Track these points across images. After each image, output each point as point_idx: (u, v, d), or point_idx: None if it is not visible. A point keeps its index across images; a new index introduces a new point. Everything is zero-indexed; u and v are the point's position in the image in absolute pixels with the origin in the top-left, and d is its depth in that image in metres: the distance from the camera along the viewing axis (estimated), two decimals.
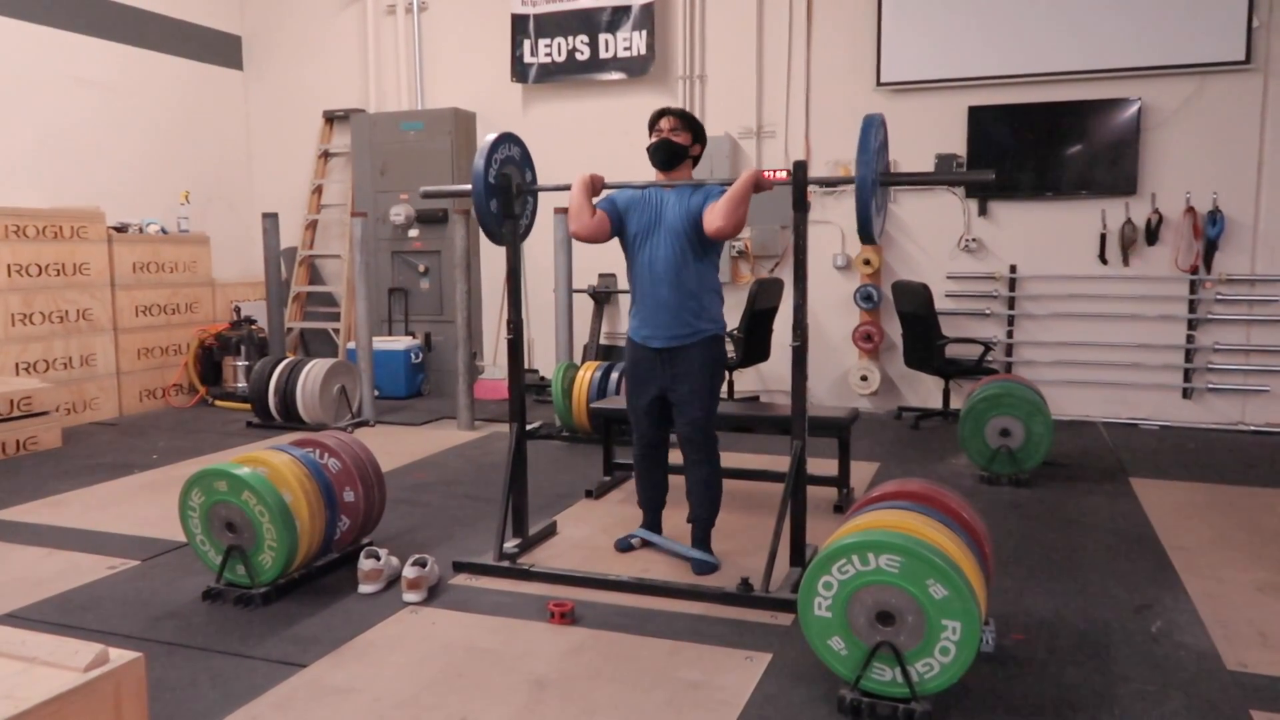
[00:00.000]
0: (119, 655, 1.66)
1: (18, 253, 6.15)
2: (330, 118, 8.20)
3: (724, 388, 6.39)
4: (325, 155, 8.27)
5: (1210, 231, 6.05)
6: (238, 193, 8.42)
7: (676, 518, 3.86)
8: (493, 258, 7.65)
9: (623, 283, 6.73)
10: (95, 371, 6.67)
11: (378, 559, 3.35)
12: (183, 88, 7.89)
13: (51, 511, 4.38)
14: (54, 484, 4.86)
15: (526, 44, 7.39)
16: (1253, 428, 6.12)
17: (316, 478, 3.35)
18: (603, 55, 7.20)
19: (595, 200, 3.50)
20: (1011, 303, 6.54)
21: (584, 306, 7.16)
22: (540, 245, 6.62)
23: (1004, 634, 2.91)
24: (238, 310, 7.62)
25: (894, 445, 5.74)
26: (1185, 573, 3.48)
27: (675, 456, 3.79)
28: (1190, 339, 6.22)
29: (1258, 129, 5.99)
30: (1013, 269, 6.53)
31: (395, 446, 5.60)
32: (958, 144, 6.52)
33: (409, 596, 3.23)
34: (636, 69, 7.12)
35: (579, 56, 7.26)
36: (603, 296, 7.28)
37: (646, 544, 3.76)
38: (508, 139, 3.61)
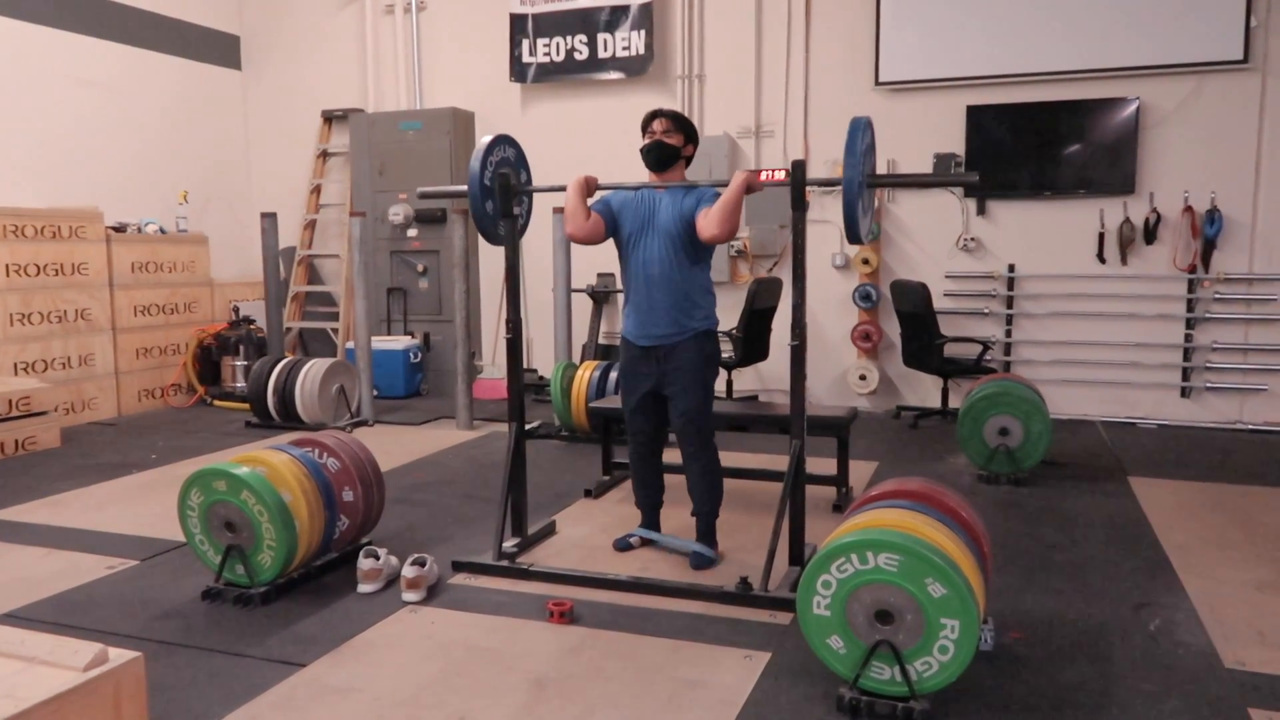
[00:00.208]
0: (118, 655, 1.66)
1: (16, 252, 6.15)
2: (329, 117, 8.20)
3: (723, 387, 6.44)
4: (324, 155, 8.26)
5: (1208, 230, 6.06)
6: (236, 192, 8.42)
7: (678, 516, 3.87)
8: (491, 257, 7.66)
9: (621, 282, 6.73)
10: (94, 371, 6.67)
11: (377, 558, 3.35)
12: (181, 87, 7.89)
13: (50, 511, 4.38)
14: (53, 484, 4.86)
15: (525, 43, 7.39)
16: (1251, 426, 6.13)
17: (315, 477, 3.35)
18: (601, 55, 7.20)
19: (590, 201, 3.52)
20: (1010, 302, 6.55)
21: (583, 306, 7.16)
22: (539, 245, 6.63)
23: (1002, 633, 2.91)
24: (236, 310, 7.61)
25: (893, 444, 5.75)
26: (1183, 571, 3.49)
27: (672, 457, 3.80)
28: (1188, 338, 6.23)
29: (1255, 128, 5.99)
30: (1011, 268, 6.54)
31: (394, 446, 5.60)
32: (956, 143, 6.52)
33: (408, 596, 3.24)
34: (635, 69, 7.12)
35: (577, 56, 7.26)
36: (601, 296, 7.28)
37: (646, 542, 3.77)
38: (503, 141, 3.66)
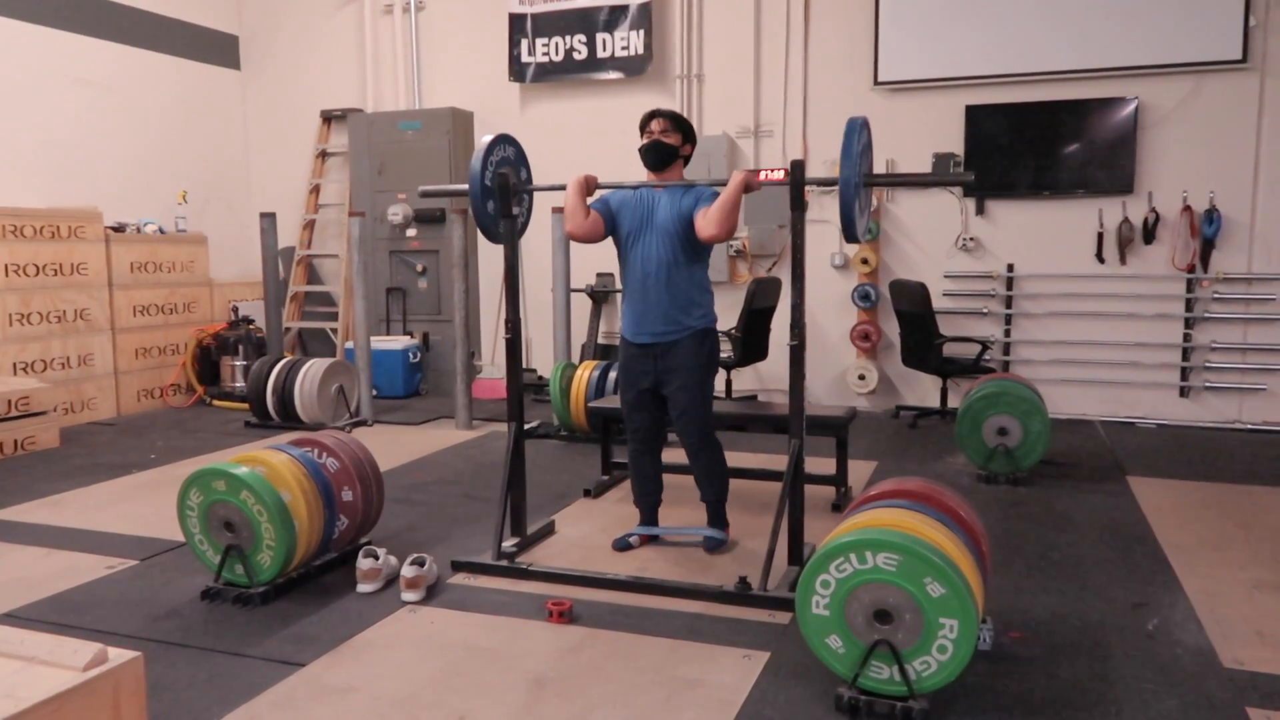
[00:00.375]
0: (118, 654, 1.66)
1: (15, 252, 6.15)
2: (328, 117, 8.20)
3: (722, 387, 6.44)
4: (323, 155, 8.26)
5: (1207, 230, 6.06)
6: (235, 192, 8.42)
7: (678, 515, 3.87)
8: (491, 257, 7.66)
9: (620, 281, 6.73)
10: (93, 371, 6.66)
11: (376, 558, 3.35)
12: (180, 87, 7.88)
13: (50, 511, 4.38)
14: (52, 484, 4.86)
15: (524, 43, 7.39)
16: (1250, 426, 6.13)
17: (315, 477, 3.35)
18: (600, 55, 7.20)
19: (589, 200, 3.53)
20: (1009, 301, 6.55)
21: (582, 306, 7.16)
22: (538, 244, 6.63)
23: (1001, 632, 2.92)
24: (235, 310, 7.61)
25: (892, 444, 5.75)
26: (1182, 571, 3.49)
27: (671, 456, 3.80)
28: (1187, 337, 6.23)
29: (1254, 128, 6.00)
30: (1010, 268, 6.54)
31: (393, 446, 5.60)
32: (955, 143, 6.53)
33: (407, 596, 3.24)
34: (634, 68, 7.13)
35: (576, 56, 7.26)
36: (601, 296, 7.28)
37: (645, 541, 3.77)
38: (504, 140, 3.67)
